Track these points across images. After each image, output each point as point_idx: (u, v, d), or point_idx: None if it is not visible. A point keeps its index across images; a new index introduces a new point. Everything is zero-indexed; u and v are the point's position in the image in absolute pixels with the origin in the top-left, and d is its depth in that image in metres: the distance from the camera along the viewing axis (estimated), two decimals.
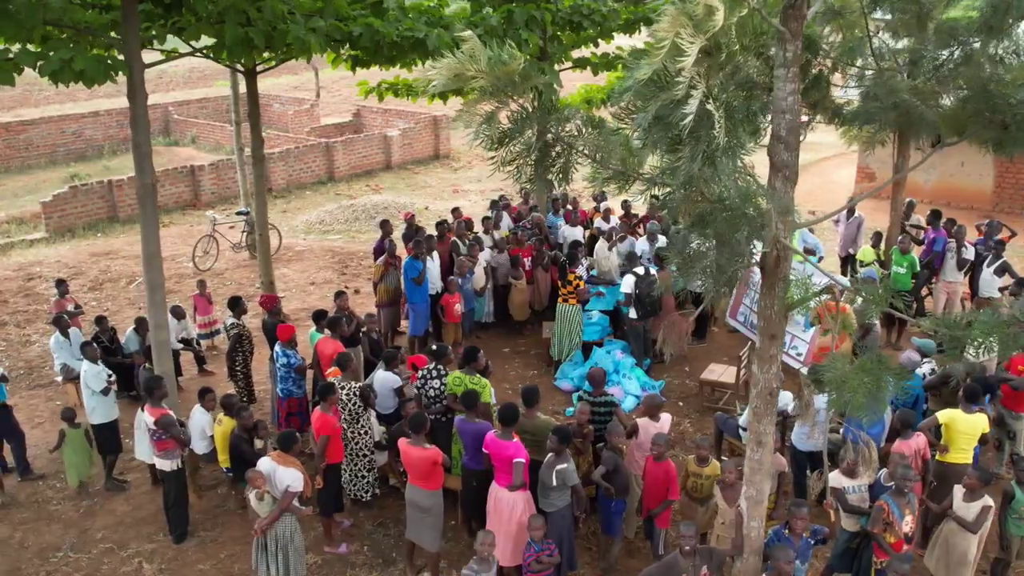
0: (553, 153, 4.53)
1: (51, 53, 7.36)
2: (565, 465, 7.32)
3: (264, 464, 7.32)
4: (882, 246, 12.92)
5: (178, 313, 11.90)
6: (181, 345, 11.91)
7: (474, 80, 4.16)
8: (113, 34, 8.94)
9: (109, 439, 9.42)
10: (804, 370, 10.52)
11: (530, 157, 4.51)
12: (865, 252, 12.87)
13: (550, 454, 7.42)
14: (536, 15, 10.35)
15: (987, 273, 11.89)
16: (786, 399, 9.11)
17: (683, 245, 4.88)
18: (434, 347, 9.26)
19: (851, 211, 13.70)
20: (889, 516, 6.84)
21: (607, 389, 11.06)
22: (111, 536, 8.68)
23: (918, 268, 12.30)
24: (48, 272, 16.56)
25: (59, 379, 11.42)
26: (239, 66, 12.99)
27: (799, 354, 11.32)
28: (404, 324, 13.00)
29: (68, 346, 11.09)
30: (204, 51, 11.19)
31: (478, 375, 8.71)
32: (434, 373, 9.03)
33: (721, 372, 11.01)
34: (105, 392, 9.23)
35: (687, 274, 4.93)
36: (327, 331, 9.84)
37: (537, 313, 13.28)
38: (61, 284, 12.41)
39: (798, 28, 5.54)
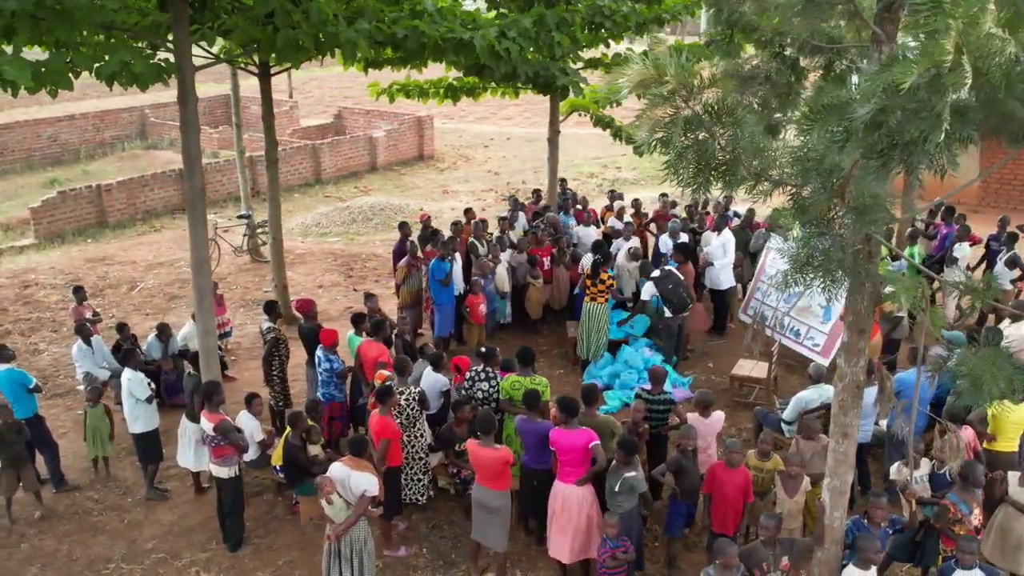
0: (717, 159, 4.55)
1: (106, 56, 7.25)
2: (633, 473, 7.36)
3: (336, 470, 7.27)
4: (893, 241, 13.18)
5: None
6: None
7: (663, 85, 4.19)
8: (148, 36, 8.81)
9: (150, 448, 9.29)
10: (824, 361, 10.76)
11: (699, 163, 4.53)
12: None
13: (615, 462, 7.49)
14: (567, 17, 10.41)
15: (999, 266, 12.21)
16: (825, 393, 9.28)
17: (804, 247, 4.94)
18: (483, 349, 9.27)
19: None
20: (957, 514, 6.99)
21: (638, 387, 11.23)
22: (161, 546, 8.55)
23: (922, 257, 12.57)
24: (44, 279, 16.22)
25: (81, 388, 11.20)
26: (252, 68, 12.87)
27: (816, 345, 11.55)
28: (423, 326, 12.99)
29: (91, 354, 10.88)
30: (224, 54, 11.11)
31: (537, 375, 8.77)
32: (483, 375, 9.05)
33: (751, 367, 11.16)
34: (149, 400, 9.11)
35: (808, 276, 4.99)
36: (369, 334, 9.80)
37: (555, 312, 13.35)
38: (79, 291, 12.16)
39: (893, 31, 5.68)
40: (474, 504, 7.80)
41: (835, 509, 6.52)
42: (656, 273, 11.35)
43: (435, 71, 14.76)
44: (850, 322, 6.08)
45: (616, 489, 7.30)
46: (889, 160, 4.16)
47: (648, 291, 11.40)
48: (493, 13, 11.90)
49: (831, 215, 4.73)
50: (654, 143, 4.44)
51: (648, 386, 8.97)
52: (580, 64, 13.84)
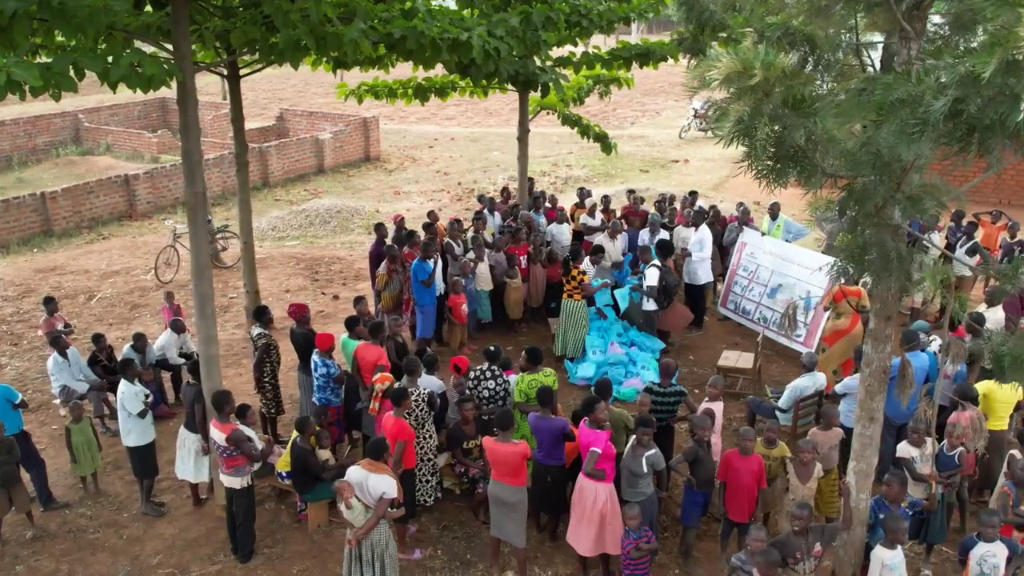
0: (792, 151, 4.66)
1: (110, 58, 7.04)
2: (653, 451, 7.53)
3: (355, 473, 7.21)
4: None
5: (178, 327, 11.49)
6: (183, 360, 11.47)
7: (751, 78, 4.27)
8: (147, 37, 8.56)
9: (145, 462, 9.00)
10: (805, 350, 11.08)
11: (776, 154, 4.63)
12: (843, 239, 13.52)
13: (632, 443, 7.63)
14: (552, 16, 10.46)
15: (960, 253, 12.73)
16: (819, 381, 9.56)
17: (855, 236, 5.10)
18: (492, 348, 9.28)
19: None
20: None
21: (628, 380, 11.38)
22: (168, 561, 8.32)
23: None
24: None
25: (57, 401, 10.82)
26: (221, 69, 12.58)
27: (798, 335, 11.90)
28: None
29: (67, 367, 10.52)
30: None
31: (548, 368, 8.85)
32: (488, 374, 9.06)
33: (736, 358, 11.39)
34: (142, 414, 8.83)
35: (860, 264, 5.16)
36: (367, 337, 9.70)
37: (533, 311, 13.42)
38: (50, 302, 11.71)
39: (921, 28, 5.89)
40: (491, 500, 7.83)
41: (861, 491, 6.74)
42: (658, 262, 11.49)
43: (402, 71, 14.66)
44: (877, 309, 6.29)
45: (644, 470, 7.42)
46: (967, 145, 4.33)
47: (653, 276, 11.50)
48: (468, 11, 11.85)
49: (887, 205, 4.90)
50: (734, 134, 4.53)
51: (656, 380, 9.11)
52: (549, 62, 13.90)
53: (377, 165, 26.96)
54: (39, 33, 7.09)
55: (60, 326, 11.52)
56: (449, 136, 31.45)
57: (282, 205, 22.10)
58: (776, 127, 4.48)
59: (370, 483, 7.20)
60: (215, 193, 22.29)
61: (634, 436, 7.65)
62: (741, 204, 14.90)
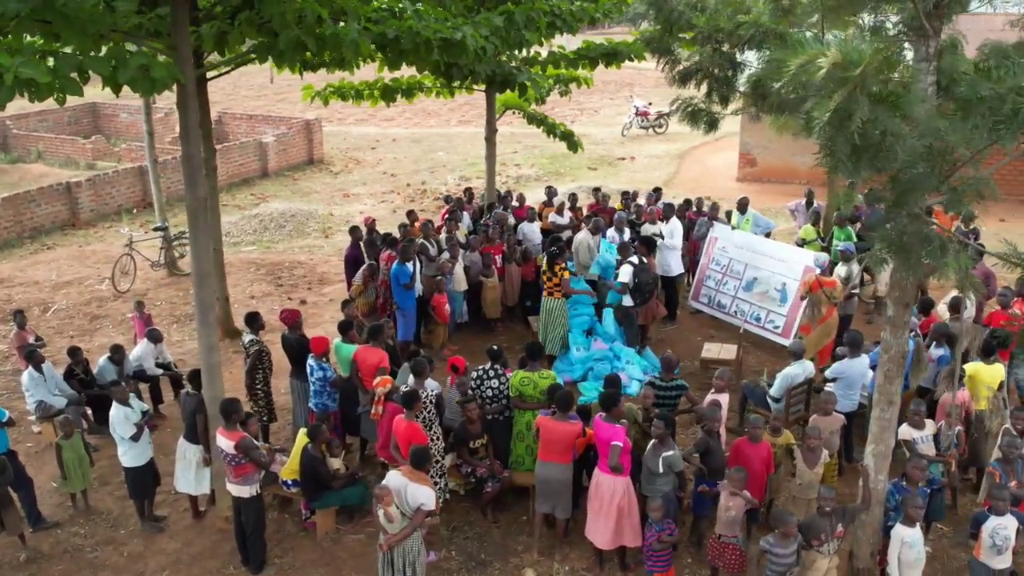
0: (873, 141, 4.79)
1: (113, 61, 6.84)
2: (671, 452, 7.65)
3: (394, 479, 7.17)
4: (820, 224, 14.04)
5: (155, 337, 11.21)
6: (160, 371, 11.19)
7: (851, 70, 4.39)
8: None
9: (142, 482, 8.72)
10: (784, 341, 11.40)
11: (856, 145, 4.75)
12: (806, 231, 13.91)
13: (654, 441, 7.75)
14: (533, 15, 10.53)
15: None
16: (808, 368, 9.84)
17: (897, 228, 5.28)
18: (495, 347, 9.30)
19: (809, 202, 14.63)
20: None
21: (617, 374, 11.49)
22: None
23: (854, 239, 13.43)
24: None
25: (32, 418, 10.42)
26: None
27: (776, 327, 12.21)
28: None
29: (43, 382, 10.14)
30: None
31: (545, 369, 8.92)
32: (491, 373, 9.08)
33: (719, 350, 11.62)
34: (135, 438, 8.54)
35: (902, 258, 5.34)
36: (359, 340, 9.62)
37: (509, 309, 13.45)
38: (19, 315, 11.27)
39: (939, 27, 6.14)
40: (539, 482, 8.05)
41: (879, 472, 6.99)
42: (635, 259, 11.62)
43: (365, 72, 14.53)
44: (896, 297, 6.52)
45: (660, 470, 7.55)
46: None
47: (626, 273, 11.61)
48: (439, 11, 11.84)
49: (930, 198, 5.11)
50: (820, 124, 4.65)
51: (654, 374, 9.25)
52: (516, 62, 13.96)
53: (322, 168, 26.59)
54: (39, 34, 6.88)
55: (31, 339, 11.11)
56: (390, 137, 31.21)
57: (230, 210, 21.58)
58: (865, 119, 4.60)
59: (409, 491, 7.17)
60: (171, 197, 21.61)
61: (653, 434, 7.75)
62: (684, 201, 15.10)
